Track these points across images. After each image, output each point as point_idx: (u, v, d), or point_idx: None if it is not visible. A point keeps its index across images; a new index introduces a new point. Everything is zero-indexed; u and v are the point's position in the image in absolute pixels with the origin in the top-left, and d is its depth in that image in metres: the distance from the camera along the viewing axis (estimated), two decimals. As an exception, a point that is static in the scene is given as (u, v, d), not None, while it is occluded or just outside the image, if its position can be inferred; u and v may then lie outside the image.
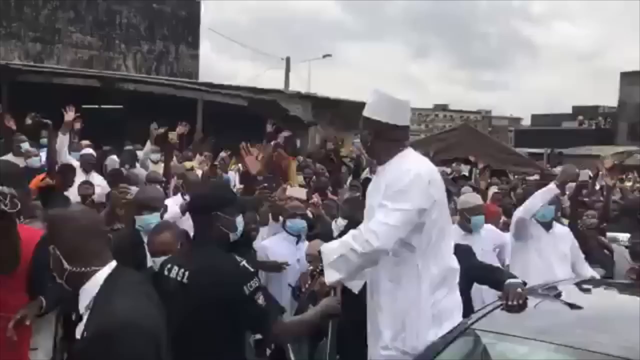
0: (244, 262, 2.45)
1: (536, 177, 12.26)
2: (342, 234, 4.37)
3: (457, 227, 4.55)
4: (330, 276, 2.65)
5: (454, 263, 2.83)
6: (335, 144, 13.97)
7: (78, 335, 1.91)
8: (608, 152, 28.28)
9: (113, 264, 1.97)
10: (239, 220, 2.60)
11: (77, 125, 7.30)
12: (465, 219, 4.63)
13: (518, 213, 4.40)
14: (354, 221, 3.60)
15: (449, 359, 2.51)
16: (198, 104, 11.39)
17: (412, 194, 2.59)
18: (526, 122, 63.08)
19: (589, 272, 4.41)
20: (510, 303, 2.81)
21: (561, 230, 4.57)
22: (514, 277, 3.17)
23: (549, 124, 44.67)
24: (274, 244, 4.64)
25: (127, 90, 11.63)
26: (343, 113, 16.69)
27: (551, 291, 3.22)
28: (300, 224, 4.63)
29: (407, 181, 2.60)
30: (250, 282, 2.39)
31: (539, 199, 4.31)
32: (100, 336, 1.78)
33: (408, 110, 2.86)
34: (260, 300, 2.41)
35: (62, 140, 6.45)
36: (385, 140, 2.74)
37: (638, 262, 4.49)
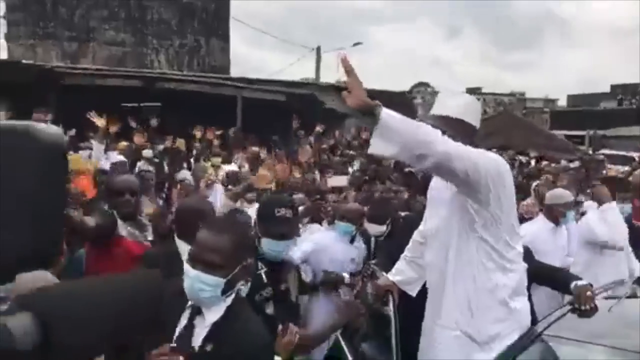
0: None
1: (577, 163, 12.00)
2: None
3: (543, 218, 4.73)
4: (377, 148, 2.24)
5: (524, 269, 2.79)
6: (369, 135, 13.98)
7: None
8: (650, 132, 27.48)
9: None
10: None
11: (113, 129, 7.36)
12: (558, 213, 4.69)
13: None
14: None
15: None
16: (237, 100, 11.45)
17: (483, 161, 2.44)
18: (562, 102, 61.59)
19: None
20: (583, 307, 2.76)
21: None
22: (579, 278, 3.12)
23: (587, 104, 43.58)
24: (327, 239, 4.43)
25: (167, 88, 11.77)
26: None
27: (617, 292, 3.16)
28: (347, 228, 4.41)
29: (505, 170, 2.55)
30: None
31: None
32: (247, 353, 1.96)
33: (479, 111, 2.87)
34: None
35: (99, 148, 6.57)
36: (470, 143, 2.71)
37: None
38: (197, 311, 2.07)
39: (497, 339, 2.59)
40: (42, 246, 0.90)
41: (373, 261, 4.00)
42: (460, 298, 2.63)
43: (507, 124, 12.90)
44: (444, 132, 2.44)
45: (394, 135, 2.18)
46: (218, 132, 9.41)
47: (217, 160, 7.94)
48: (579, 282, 3.00)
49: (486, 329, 2.60)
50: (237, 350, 1.96)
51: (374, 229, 4.39)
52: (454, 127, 2.63)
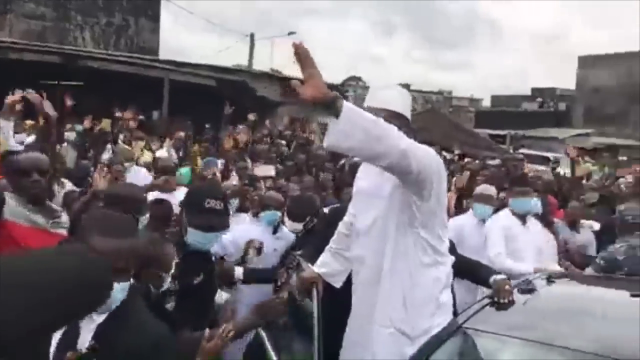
0: None
1: (498, 161, 12.50)
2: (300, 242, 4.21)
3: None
4: (334, 141, 2.11)
5: (448, 261, 2.83)
6: (302, 125, 13.93)
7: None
8: (566, 133, 29.16)
9: None
10: None
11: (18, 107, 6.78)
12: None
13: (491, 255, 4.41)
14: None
15: (442, 358, 2.51)
16: (164, 82, 11.05)
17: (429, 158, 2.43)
18: (486, 102, 64.11)
19: (557, 266, 4.47)
20: (501, 301, 2.83)
21: (535, 224, 4.64)
22: (497, 272, 3.21)
23: (509, 105, 45.53)
24: (252, 231, 4.41)
25: (89, 67, 11.19)
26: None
27: (531, 286, 3.26)
28: (272, 216, 4.44)
29: (437, 163, 2.51)
30: None
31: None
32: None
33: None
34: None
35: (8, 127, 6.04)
36: (407, 135, 2.69)
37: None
38: None
39: (428, 333, 2.61)
40: None
41: (298, 252, 3.93)
42: (396, 295, 2.62)
43: (433, 120, 13.23)
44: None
45: (354, 131, 2.06)
46: (140, 116, 9.04)
47: (141, 144, 7.64)
48: (497, 277, 3.09)
49: (419, 324, 2.63)
50: (126, 350, 1.85)
51: (292, 225, 4.31)
52: (389, 120, 2.61)
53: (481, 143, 13.41)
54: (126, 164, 6.09)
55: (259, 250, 4.17)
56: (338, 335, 2.99)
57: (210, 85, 11.28)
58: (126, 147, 7.23)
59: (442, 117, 13.87)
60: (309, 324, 3.05)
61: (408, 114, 2.72)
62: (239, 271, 3.87)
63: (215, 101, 10.42)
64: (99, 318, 1.90)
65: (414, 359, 2.54)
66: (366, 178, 2.82)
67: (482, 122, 36.60)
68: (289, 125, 14.86)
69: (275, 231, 4.49)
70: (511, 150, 17.08)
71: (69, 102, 9.12)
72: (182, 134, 9.65)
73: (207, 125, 8.99)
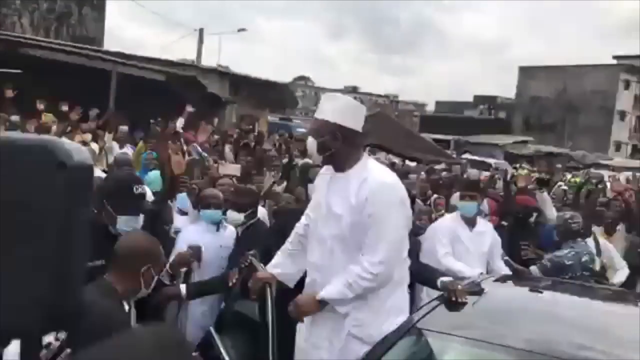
0: None
1: (443, 165, 12.83)
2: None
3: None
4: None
5: (406, 266, 2.93)
6: (252, 124, 13.83)
7: None
8: (506, 140, 30.28)
9: None
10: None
11: None
12: None
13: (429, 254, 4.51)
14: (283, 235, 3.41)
15: (395, 358, 2.58)
16: (112, 76, 10.71)
17: (396, 205, 2.69)
18: (430, 107, 65.68)
19: (504, 268, 4.64)
20: (458, 300, 2.93)
21: (484, 227, 4.79)
22: (443, 274, 3.34)
23: (452, 110, 46.86)
24: (191, 233, 4.37)
25: (31, 55, 10.70)
26: (259, 91, 16.55)
27: (479, 287, 3.39)
28: (214, 215, 4.39)
29: (389, 198, 2.68)
30: None
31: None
32: None
33: (363, 114, 2.86)
34: None
35: None
36: (351, 146, 2.74)
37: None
38: None
39: (382, 335, 2.72)
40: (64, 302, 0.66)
41: (251, 252, 3.92)
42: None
43: (381, 124, 13.36)
44: (330, 139, 2.68)
45: (341, 303, 2.77)
46: (88, 111, 8.76)
47: (87, 137, 7.40)
48: (444, 279, 3.20)
49: (373, 328, 2.76)
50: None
51: (233, 216, 4.32)
52: (332, 132, 2.71)
53: (427, 147, 13.69)
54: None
55: (198, 256, 4.12)
56: (289, 337, 3.02)
57: (160, 80, 11.04)
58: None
59: (390, 121, 14.01)
60: (256, 326, 3.07)
61: (351, 123, 2.73)
62: (183, 289, 3.80)
63: (164, 96, 10.20)
64: None
65: (370, 357, 2.60)
66: (323, 194, 2.89)
67: (426, 126, 37.52)
68: (237, 124, 14.76)
69: (218, 228, 4.46)
70: (454, 155, 17.57)
71: (9, 93, 8.76)
72: (125, 127, 9.42)
73: (151, 121, 8.81)
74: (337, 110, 2.73)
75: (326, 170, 2.94)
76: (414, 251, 3.77)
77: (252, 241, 4.39)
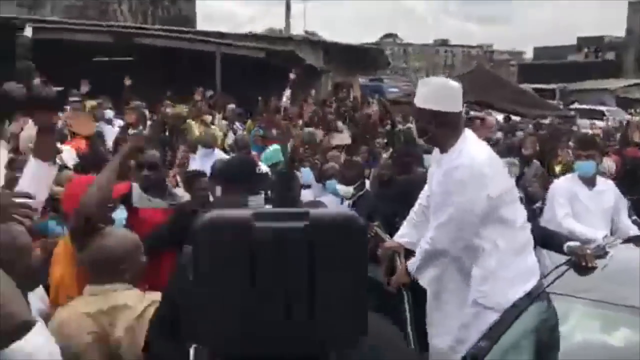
0: None
1: (550, 119, 12.26)
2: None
3: None
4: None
5: (523, 233, 3.00)
6: (346, 90, 13.94)
7: None
8: (617, 84, 28.15)
9: None
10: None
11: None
12: None
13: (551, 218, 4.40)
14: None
15: (527, 321, 2.66)
16: (216, 56, 11.17)
17: (469, 187, 2.78)
18: (528, 55, 62.12)
19: (631, 227, 4.47)
20: (588, 265, 2.95)
21: (604, 185, 4.62)
22: (569, 239, 3.34)
23: (553, 56, 44.10)
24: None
25: (141, 44, 11.39)
26: (350, 56, 16.56)
27: (604, 251, 3.36)
28: (334, 185, 4.64)
29: (460, 177, 2.78)
30: None
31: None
32: None
33: (460, 95, 2.93)
34: None
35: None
36: (447, 127, 2.84)
37: None
38: None
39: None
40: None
41: (375, 223, 4.11)
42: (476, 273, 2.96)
43: (481, 80, 13.01)
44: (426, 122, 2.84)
45: (425, 268, 3.03)
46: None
47: (208, 119, 7.91)
48: (571, 243, 3.21)
49: (503, 296, 2.87)
50: None
51: (342, 188, 4.54)
52: (426, 117, 2.85)
53: (531, 101, 13.15)
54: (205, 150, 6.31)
55: None
56: (421, 301, 3.21)
57: (260, 57, 11.36)
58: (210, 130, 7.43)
59: (490, 76, 13.58)
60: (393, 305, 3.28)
61: (445, 106, 2.80)
62: None
63: (265, 72, 10.53)
64: None
65: (498, 324, 2.71)
66: (431, 172, 3.12)
67: (525, 76, 35.65)
68: (333, 92, 14.92)
69: (342, 201, 4.70)
70: (561, 106, 16.68)
71: (127, 82, 9.44)
72: (233, 106, 9.85)
73: (259, 98, 9.14)
74: (428, 95, 2.85)
75: (435, 151, 3.10)
76: (532, 217, 3.76)
77: (362, 212, 4.63)
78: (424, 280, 3.09)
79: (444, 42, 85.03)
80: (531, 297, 2.78)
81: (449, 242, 2.89)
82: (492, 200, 2.81)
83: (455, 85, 2.93)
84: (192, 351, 0.95)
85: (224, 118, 9.34)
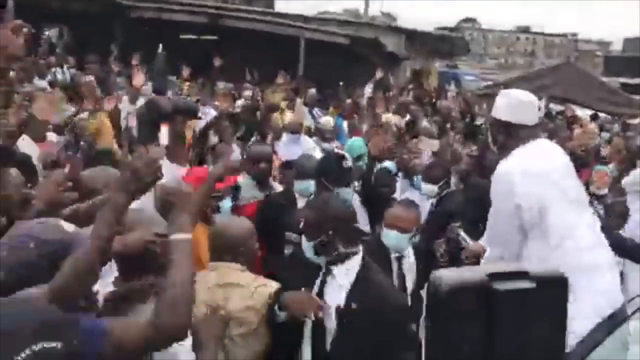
0: None
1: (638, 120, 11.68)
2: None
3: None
4: None
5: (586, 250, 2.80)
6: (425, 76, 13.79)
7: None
8: None
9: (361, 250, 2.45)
10: None
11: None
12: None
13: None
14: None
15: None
16: (300, 41, 11.32)
17: (497, 197, 2.85)
18: (617, 46, 58.79)
19: None
20: None
21: None
22: None
23: (645, 49, 41.53)
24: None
25: (227, 26, 11.70)
26: (431, 42, 16.32)
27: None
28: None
29: (495, 183, 2.87)
30: None
31: None
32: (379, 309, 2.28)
33: (535, 109, 3.00)
34: None
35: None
36: (515, 139, 2.89)
37: None
38: (328, 271, 2.41)
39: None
40: None
41: (457, 224, 4.15)
42: None
43: (567, 74, 12.54)
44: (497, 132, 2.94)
45: None
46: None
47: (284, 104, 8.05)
48: None
49: None
50: (380, 310, 2.26)
51: (427, 187, 4.60)
52: (498, 127, 2.94)
53: (621, 100, 12.55)
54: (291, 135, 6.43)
55: None
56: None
57: (344, 44, 11.42)
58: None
59: (577, 71, 13.03)
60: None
61: (517, 119, 2.87)
62: None
63: (348, 61, 10.58)
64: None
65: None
66: None
67: (611, 68, 33.79)
68: (411, 78, 14.78)
69: (427, 198, 4.75)
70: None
71: (217, 62, 9.74)
72: (313, 91, 9.97)
73: (340, 83, 9.20)
74: (502, 107, 2.94)
75: None
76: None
77: (447, 213, 4.67)
78: None
79: (525, 29, 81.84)
80: (610, 324, 2.59)
81: (497, 253, 2.93)
82: (526, 212, 2.74)
83: (531, 99, 3.01)
84: None
85: (305, 104, 9.49)
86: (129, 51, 8.71)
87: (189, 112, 2.99)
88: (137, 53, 8.40)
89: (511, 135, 2.88)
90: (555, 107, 13.38)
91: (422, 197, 4.72)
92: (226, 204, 3.31)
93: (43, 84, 7.23)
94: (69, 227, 1.66)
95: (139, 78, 5.72)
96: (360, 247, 2.47)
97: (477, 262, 3.30)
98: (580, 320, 2.56)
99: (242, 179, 3.63)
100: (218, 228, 2.51)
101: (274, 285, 2.41)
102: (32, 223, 1.65)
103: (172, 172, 2.56)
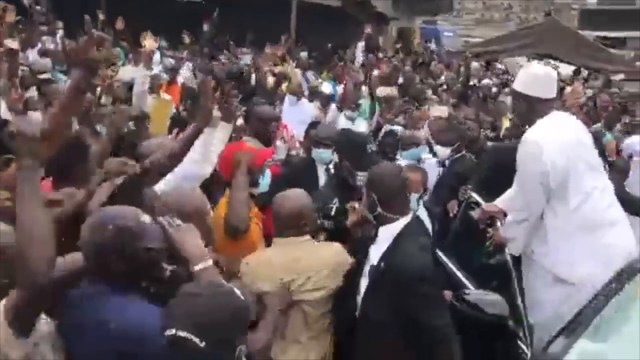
0: None
1: (621, 76, 11.94)
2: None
3: None
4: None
5: (600, 209, 3.10)
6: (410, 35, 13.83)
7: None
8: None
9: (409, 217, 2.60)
10: None
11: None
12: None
13: None
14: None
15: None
16: (292, 5, 11.17)
17: (526, 162, 3.08)
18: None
19: None
20: None
21: None
22: None
23: (620, 2, 41.66)
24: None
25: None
26: (415, 2, 16.25)
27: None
28: (416, 153, 4.84)
29: (523, 150, 3.09)
30: None
31: None
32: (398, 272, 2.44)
33: (553, 83, 3.26)
34: None
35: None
36: (532, 111, 3.17)
37: None
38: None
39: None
40: None
41: (469, 186, 4.36)
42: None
43: (551, 32, 12.70)
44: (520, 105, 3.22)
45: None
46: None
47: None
48: None
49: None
50: (400, 272, 2.44)
51: (439, 150, 4.84)
52: (518, 100, 3.23)
53: (604, 56, 12.77)
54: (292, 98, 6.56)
55: None
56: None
57: (335, 5, 11.32)
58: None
59: (560, 28, 13.19)
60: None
61: (535, 92, 3.13)
62: None
63: (340, 23, 10.52)
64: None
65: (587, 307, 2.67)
66: None
67: (587, 22, 33.83)
68: (397, 39, 14.82)
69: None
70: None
71: (205, 27, 9.64)
72: (305, 54, 9.99)
73: (329, 45, 9.21)
74: (521, 79, 3.23)
75: None
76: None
77: (459, 175, 4.90)
78: (513, 250, 3.32)
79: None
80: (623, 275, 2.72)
81: (522, 216, 3.16)
82: (551, 176, 2.99)
83: (551, 74, 3.29)
84: None
85: (297, 66, 9.52)
86: (114, 15, 8.56)
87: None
88: (121, 17, 8.26)
89: (532, 107, 3.15)
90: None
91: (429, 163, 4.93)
92: (265, 179, 3.42)
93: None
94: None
95: (151, 41, 5.57)
96: (407, 215, 2.63)
97: (491, 224, 3.52)
98: (597, 273, 2.91)
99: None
100: (277, 204, 2.62)
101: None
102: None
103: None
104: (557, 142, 3.04)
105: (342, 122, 5.97)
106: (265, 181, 3.36)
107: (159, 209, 2.04)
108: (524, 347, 2.99)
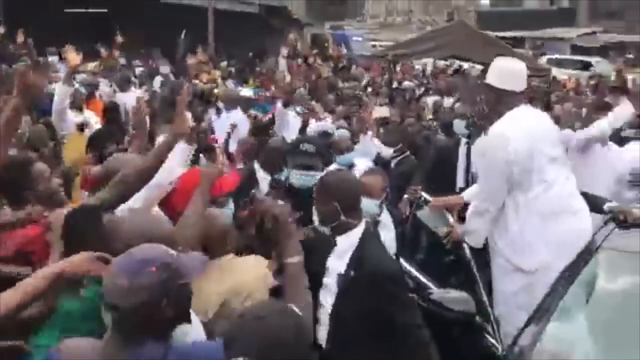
0: None
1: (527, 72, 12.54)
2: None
3: None
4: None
5: (560, 196, 3.22)
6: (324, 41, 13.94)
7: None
8: (573, 33, 28.76)
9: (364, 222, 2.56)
10: None
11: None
12: None
13: (593, 133, 4.60)
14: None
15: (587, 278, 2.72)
16: (209, 12, 10.86)
17: (491, 152, 3.20)
18: (485, 1, 62.02)
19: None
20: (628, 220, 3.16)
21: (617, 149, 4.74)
22: (608, 200, 3.72)
23: (509, 4, 44.18)
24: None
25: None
26: (328, 6, 16.47)
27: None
28: (348, 159, 4.87)
29: (490, 140, 3.24)
30: None
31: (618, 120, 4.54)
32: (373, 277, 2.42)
33: (523, 77, 3.35)
34: None
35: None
36: (498, 103, 3.28)
37: None
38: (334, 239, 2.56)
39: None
40: None
41: (418, 187, 4.42)
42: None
43: (461, 34, 13.20)
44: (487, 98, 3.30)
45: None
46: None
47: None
48: (611, 204, 3.57)
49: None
50: (373, 277, 2.41)
51: (384, 150, 4.97)
52: (490, 93, 3.30)
53: (507, 54, 13.40)
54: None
55: None
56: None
57: (253, 12, 11.16)
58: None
59: (468, 30, 13.73)
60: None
61: (501, 84, 3.22)
62: None
63: (258, 29, 10.41)
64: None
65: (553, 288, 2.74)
66: None
67: (483, 23, 35.69)
68: (311, 44, 14.87)
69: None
70: (541, 60, 16.93)
71: (119, 39, 9.13)
72: (225, 63, 9.84)
73: (250, 54, 9.11)
74: (494, 74, 3.31)
75: None
76: None
77: (404, 174, 4.99)
78: (473, 242, 3.41)
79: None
80: (583, 255, 2.80)
81: (485, 206, 3.25)
82: (515, 166, 3.10)
83: (521, 69, 3.36)
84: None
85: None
86: (15, 28, 8.03)
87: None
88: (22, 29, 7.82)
89: (500, 100, 3.25)
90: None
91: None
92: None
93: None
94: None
95: (75, 55, 5.04)
96: (364, 219, 2.59)
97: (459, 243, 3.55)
98: (554, 259, 3.00)
99: None
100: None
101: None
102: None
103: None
104: (522, 133, 3.15)
105: (291, 118, 5.82)
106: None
107: None
108: (493, 341, 3.07)
